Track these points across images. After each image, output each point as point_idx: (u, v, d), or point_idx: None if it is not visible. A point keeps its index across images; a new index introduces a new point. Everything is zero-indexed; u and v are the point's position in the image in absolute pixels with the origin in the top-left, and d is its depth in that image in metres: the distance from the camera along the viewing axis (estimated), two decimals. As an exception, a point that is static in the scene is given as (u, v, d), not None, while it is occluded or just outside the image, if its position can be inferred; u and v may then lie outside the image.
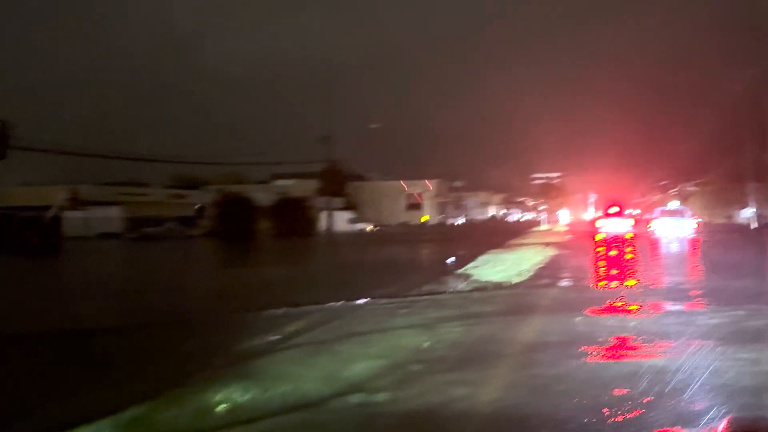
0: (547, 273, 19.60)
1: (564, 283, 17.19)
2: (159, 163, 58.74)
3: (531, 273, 19.58)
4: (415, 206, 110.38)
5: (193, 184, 79.69)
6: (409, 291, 15.26)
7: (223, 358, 8.39)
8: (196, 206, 67.45)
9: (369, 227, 76.84)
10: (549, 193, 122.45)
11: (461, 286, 16.67)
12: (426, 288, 15.99)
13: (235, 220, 55.31)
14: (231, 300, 15.45)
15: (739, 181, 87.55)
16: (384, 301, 13.66)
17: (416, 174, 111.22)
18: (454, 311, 11.94)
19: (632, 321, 10.97)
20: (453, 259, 24.32)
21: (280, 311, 12.32)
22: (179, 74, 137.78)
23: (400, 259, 28.78)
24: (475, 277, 18.44)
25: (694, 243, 35.18)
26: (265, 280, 20.01)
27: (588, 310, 11.80)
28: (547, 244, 35.80)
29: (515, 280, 17.96)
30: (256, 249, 40.34)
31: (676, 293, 14.40)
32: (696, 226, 44.24)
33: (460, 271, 20.41)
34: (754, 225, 66.50)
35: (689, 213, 48.07)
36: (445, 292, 15.38)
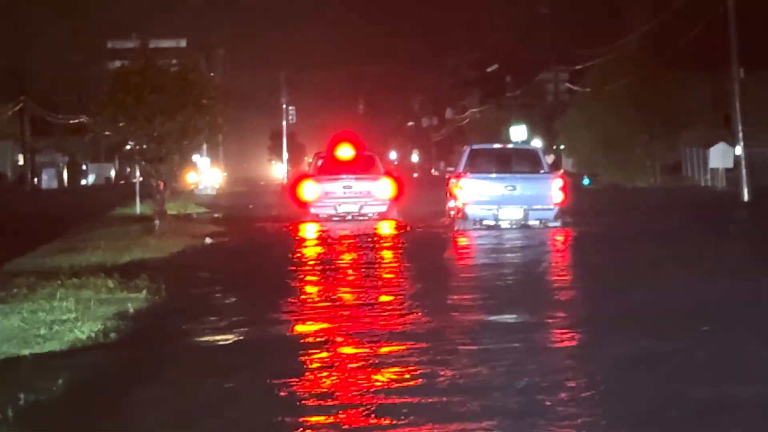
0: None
1: None
2: None
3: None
4: None
5: None
6: None
7: None
8: None
9: None
10: (137, 94, 20.90)
11: None
12: None
13: None
14: None
15: (704, 65, 40.30)
16: None
17: None
18: None
19: None
20: None
21: None
22: None
23: None
24: None
25: (564, 263, 15.18)
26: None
27: None
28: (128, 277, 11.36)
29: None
30: None
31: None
32: (562, 195, 19.82)
33: None
34: (744, 192, 30.27)
35: (548, 161, 22.71)
36: None
